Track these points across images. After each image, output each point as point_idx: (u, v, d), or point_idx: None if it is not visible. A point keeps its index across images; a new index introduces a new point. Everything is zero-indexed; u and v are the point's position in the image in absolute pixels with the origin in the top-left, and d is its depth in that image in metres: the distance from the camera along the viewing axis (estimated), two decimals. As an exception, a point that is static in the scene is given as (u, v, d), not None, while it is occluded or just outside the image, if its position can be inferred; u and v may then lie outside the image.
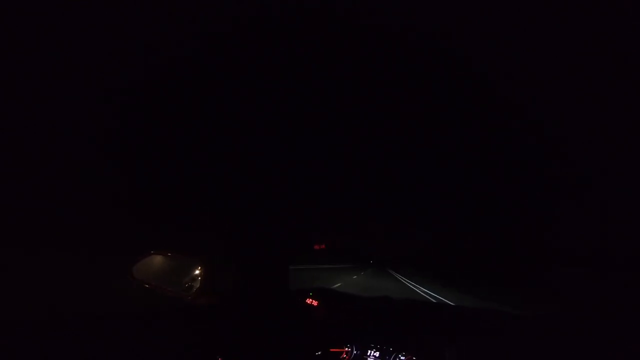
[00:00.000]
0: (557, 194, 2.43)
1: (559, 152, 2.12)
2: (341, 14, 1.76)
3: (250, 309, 1.97)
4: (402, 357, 1.82)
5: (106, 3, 2.10)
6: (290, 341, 1.93)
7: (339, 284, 10.11)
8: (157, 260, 1.74)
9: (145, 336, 1.82)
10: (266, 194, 2.24)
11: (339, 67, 1.95)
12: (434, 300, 9.85)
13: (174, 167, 2.35)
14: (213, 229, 2.26)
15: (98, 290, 2.19)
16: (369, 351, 1.89)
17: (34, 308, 1.90)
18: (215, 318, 1.91)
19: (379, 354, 1.88)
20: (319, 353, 1.91)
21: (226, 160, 2.28)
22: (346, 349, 1.92)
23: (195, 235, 2.30)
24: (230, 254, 2.07)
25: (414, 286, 15.78)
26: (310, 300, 2.20)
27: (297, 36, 1.98)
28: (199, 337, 1.85)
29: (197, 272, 1.77)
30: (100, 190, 2.53)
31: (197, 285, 1.72)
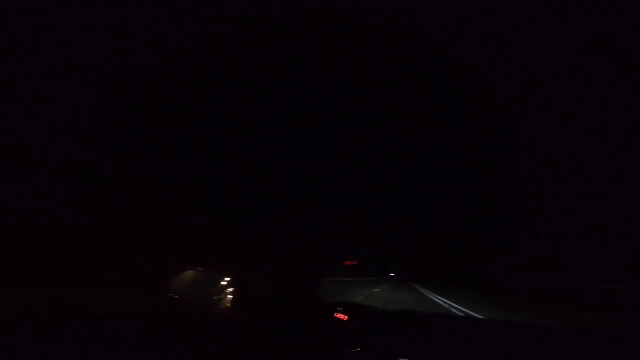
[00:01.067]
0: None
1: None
2: (341, 13, 1.77)
3: (281, 323, 1.97)
4: None
5: (106, 3, 2.19)
6: (320, 356, 1.91)
7: (360, 298, 9.99)
8: (191, 275, 1.78)
9: (175, 349, 1.85)
10: (301, 213, 2.27)
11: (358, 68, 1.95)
12: (460, 314, 9.51)
13: (212, 181, 2.41)
14: (247, 245, 2.30)
15: (132, 305, 2.24)
16: None
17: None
18: (247, 332, 1.92)
19: None
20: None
21: (265, 181, 2.33)
22: None
23: (229, 251, 2.35)
24: (263, 270, 2.09)
25: (429, 293, 17.67)
26: (339, 315, 2.19)
27: (297, 37, 2.01)
28: (231, 351, 1.86)
29: (228, 286, 1.80)
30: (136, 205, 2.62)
31: (227, 299, 1.75)
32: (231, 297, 1.77)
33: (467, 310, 10.37)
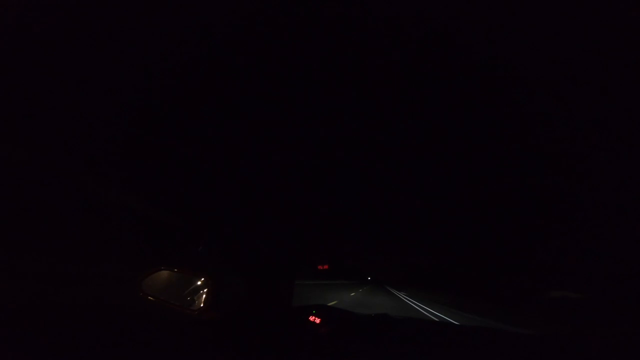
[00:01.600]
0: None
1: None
2: (340, 13, 1.80)
3: (254, 325, 1.98)
4: None
5: (105, 3, 2.17)
6: (292, 358, 1.93)
7: (334, 302, 10.01)
8: (165, 275, 1.78)
9: (149, 349, 1.84)
10: (274, 213, 2.28)
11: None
12: (435, 319, 9.72)
13: (185, 183, 2.40)
14: (221, 246, 2.30)
15: (102, 304, 2.21)
16: None
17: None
18: (220, 333, 1.93)
19: None
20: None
21: (235, 180, 2.33)
22: None
23: (201, 250, 2.34)
24: (236, 271, 2.10)
25: (401, 295, 19.38)
26: (313, 317, 2.21)
27: (291, 41, 2.03)
28: (203, 352, 1.86)
29: (201, 287, 1.80)
30: (112, 205, 2.57)
31: (201, 299, 1.76)
32: (204, 297, 1.78)
33: (442, 316, 10.64)
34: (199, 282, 1.80)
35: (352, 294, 15.67)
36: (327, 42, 1.91)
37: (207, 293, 1.77)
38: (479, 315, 12.15)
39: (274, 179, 2.27)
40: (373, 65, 1.96)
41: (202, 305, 1.75)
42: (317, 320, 2.20)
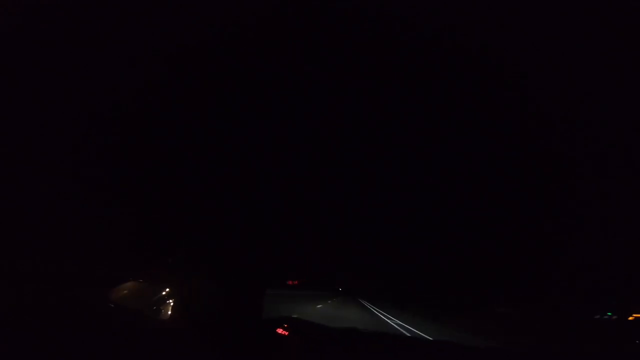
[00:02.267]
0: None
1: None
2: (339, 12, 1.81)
3: (221, 335, 1.98)
4: None
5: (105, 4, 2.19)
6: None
7: (297, 315, 9.82)
8: (132, 285, 1.79)
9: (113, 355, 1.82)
10: (246, 226, 2.30)
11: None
12: (407, 334, 9.76)
13: (153, 191, 2.40)
14: (191, 257, 2.30)
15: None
16: None
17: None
18: (186, 343, 1.92)
19: None
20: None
21: (207, 193, 2.35)
22: None
23: (171, 261, 2.34)
24: (205, 282, 2.10)
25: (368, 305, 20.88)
26: (282, 330, 2.22)
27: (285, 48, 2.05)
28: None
29: (167, 297, 1.81)
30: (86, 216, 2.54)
31: (167, 309, 1.76)
32: (171, 307, 1.78)
33: (415, 331, 10.67)
34: (164, 292, 1.81)
35: (319, 306, 15.62)
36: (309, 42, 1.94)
37: (174, 303, 1.78)
38: (441, 324, 12.54)
39: (246, 191, 2.30)
40: (352, 70, 2.00)
41: (168, 314, 1.76)
42: (285, 333, 2.21)
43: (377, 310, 18.68)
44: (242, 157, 2.31)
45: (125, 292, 1.80)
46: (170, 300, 1.80)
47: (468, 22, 1.76)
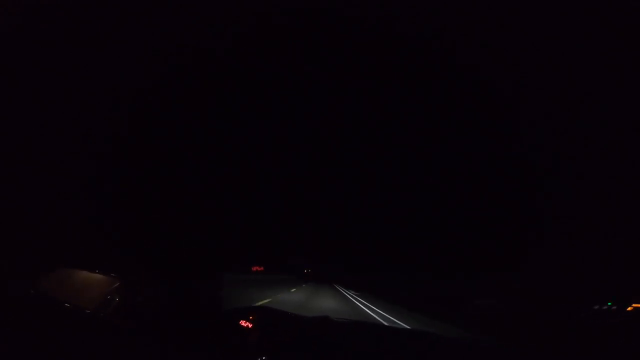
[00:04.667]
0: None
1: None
2: (338, 18, 1.79)
3: (174, 332, 1.75)
4: None
5: (105, 5, 2.17)
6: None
7: (268, 300, 9.42)
8: (67, 274, 1.64)
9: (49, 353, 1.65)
10: (199, 210, 2.17)
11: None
12: (381, 320, 9.52)
13: (110, 181, 2.32)
14: (138, 244, 2.17)
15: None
16: None
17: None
18: (134, 340, 1.65)
19: None
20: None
21: (158, 177, 2.25)
22: None
23: (116, 249, 2.19)
24: (155, 273, 1.96)
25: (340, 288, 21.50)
26: (245, 322, 1.98)
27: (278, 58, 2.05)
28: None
29: (112, 290, 1.63)
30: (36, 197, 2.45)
31: (111, 303, 1.59)
32: (116, 301, 1.58)
33: (395, 320, 10.46)
34: (109, 284, 1.60)
35: (293, 289, 15.08)
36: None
37: (119, 297, 1.57)
38: (421, 314, 12.46)
39: (198, 175, 2.25)
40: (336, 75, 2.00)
41: (113, 310, 1.55)
42: (249, 325, 1.95)
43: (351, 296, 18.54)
44: (199, 148, 2.26)
45: (59, 280, 1.58)
46: (114, 294, 1.63)
47: (468, 22, 1.75)
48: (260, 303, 8.03)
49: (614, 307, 8.47)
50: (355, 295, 20.08)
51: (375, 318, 10.02)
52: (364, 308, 12.48)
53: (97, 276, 1.63)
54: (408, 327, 8.34)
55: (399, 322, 9.42)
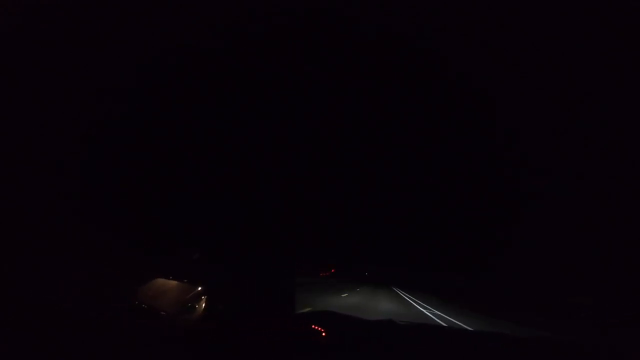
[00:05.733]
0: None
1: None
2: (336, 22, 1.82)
3: (252, 334, 1.93)
4: None
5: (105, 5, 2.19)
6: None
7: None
8: (160, 283, 1.77)
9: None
10: (272, 218, 2.26)
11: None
12: (444, 324, 9.52)
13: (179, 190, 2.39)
14: (217, 252, 2.28)
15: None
16: None
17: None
18: (216, 343, 1.88)
19: None
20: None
21: (231, 185, 2.32)
22: None
23: (200, 260, 2.32)
24: (233, 278, 2.06)
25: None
26: (316, 325, 2.13)
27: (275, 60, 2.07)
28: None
29: (198, 295, 1.79)
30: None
31: (198, 308, 1.75)
32: (202, 306, 1.77)
33: (453, 320, 10.44)
34: (195, 291, 1.80)
35: (344, 294, 15.66)
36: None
37: (204, 302, 1.76)
38: (492, 317, 12.08)
39: (270, 181, 2.29)
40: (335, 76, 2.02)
41: (199, 314, 1.73)
42: (321, 329, 2.12)
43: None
44: (253, 154, 2.32)
45: (153, 290, 1.79)
46: (200, 299, 1.79)
47: (468, 22, 1.76)
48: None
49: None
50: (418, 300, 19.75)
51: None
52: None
53: (185, 285, 1.79)
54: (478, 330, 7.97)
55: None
